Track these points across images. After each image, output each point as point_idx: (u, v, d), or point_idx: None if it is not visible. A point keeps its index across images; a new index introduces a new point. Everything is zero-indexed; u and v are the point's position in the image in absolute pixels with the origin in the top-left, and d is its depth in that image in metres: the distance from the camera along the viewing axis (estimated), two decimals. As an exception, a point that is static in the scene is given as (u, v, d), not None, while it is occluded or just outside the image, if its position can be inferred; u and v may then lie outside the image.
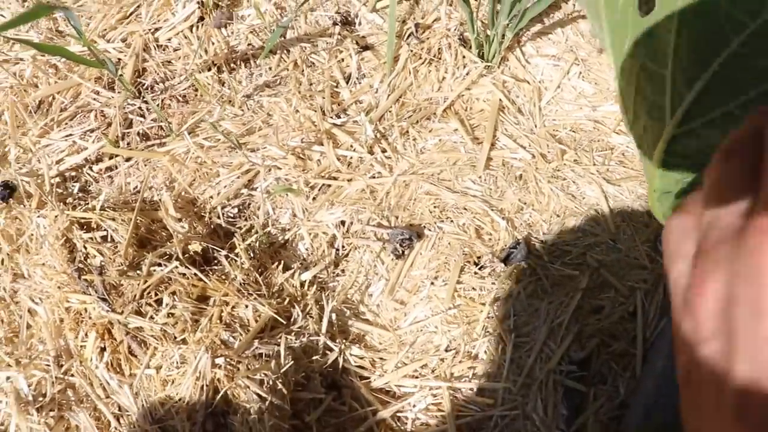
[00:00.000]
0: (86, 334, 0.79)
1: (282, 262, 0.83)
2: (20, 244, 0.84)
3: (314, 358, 0.77)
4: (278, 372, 0.74)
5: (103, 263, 0.80)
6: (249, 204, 0.87)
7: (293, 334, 0.78)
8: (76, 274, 0.80)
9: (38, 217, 0.84)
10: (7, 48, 0.99)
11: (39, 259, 0.82)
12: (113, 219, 0.82)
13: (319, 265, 0.83)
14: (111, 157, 0.91)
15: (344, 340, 0.79)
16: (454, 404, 0.77)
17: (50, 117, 0.94)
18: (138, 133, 0.92)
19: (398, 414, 0.77)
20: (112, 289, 0.79)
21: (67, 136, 0.93)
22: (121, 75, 0.89)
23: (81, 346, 0.78)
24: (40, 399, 0.76)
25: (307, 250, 0.85)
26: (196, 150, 0.89)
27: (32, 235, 0.84)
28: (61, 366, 0.78)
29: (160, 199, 0.87)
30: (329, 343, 0.78)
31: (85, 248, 0.81)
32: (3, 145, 0.93)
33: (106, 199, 0.85)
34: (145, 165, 0.90)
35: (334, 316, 0.80)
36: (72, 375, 0.78)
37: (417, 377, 0.78)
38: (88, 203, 0.86)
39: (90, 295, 0.79)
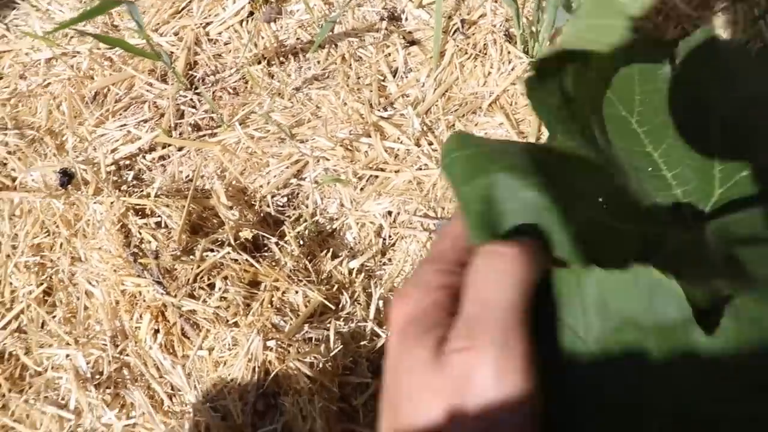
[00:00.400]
0: (141, 316, 0.82)
1: (330, 250, 0.85)
2: (78, 229, 0.87)
3: (362, 343, 0.79)
4: (327, 356, 0.76)
5: (157, 248, 0.83)
6: (298, 193, 0.90)
7: (341, 319, 0.80)
8: (131, 258, 0.83)
9: (95, 203, 0.87)
10: (65, 42, 1.03)
11: (96, 243, 0.86)
12: (167, 206, 0.85)
13: (367, 254, 0.85)
14: (164, 147, 0.94)
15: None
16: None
17: (105, 108, 0.97)
18: (189, 124, 0.95)
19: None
20: (166, 273, 0.82)
21: (121, 126, 0.96)
22: (173, 67, 0.92)
23: (136, 328, 0.81)
24: (98, 376, 0.79)
25: (354, 239, 0.87)
26: (247, 140, 0.91)
27: (89, 220, 0.87)
28: (117, 346, 0.81)
29: (211, 188, 0.90)
30: (376, 329, 0.80)
31: (140, 233, 0.84)
32: (61, 134, 0.97)
33: (159, 187, 0.88)
34: (197, 154, 0.93)
35: (381, 303, 0.82)
36: (127, 355, 0.81)
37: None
38: (142, 191, 0.89)
39: (145, 278, 0.82)
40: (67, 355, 0.81)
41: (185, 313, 0.80)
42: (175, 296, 0.80)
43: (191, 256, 0.82)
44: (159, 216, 0.86)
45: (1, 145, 0.97)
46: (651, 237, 0.68)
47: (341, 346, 0.77)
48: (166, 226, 0.85)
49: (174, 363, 0.79)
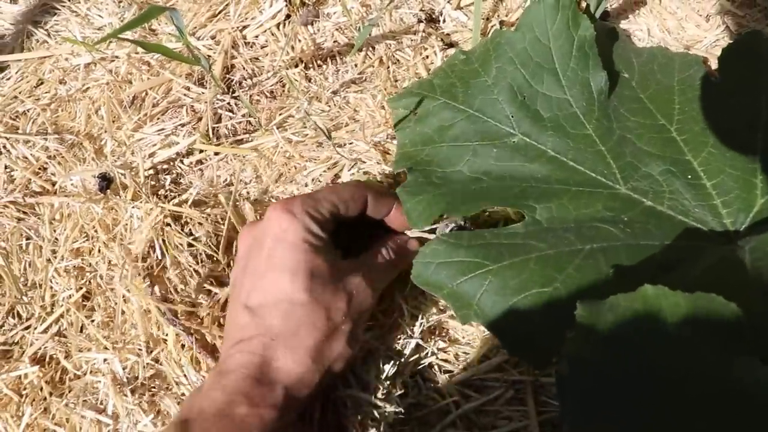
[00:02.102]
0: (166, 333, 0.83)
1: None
2: (115, 233, 0.89)
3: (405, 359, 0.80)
4: (370, 363, 0.77)
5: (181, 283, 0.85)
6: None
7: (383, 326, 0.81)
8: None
9: (133, 207, 0.89)
10: (104, 46, 1.05)
11: (132, 248, 0.87)
12: (206, 216, 0.87)
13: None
14: (201, 151, 0.96)
15: (431, 335, 0.81)
16: (536, 400, 0.79)
17: (143, 112, 0.99)
18: (227, 128, 0.97)
19: (481, 408, 0.79)
20: (191, 307, 0.84)
21: (159, 130, 0.98)
22: (212, 71, 0.93)
23: (163, 339, 0.83)
24: (134, 381, 0.81)
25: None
26: (285, 144, 0.93)
27: (126, 224, 0.89)
28: (151, 352, 0.83)
29: (248, 193, 0.91)
30: (422, 343, 0.81)
31: (170, 253, 0.86)
32: (100, 139, 0.99)
33: (194, 192, 0.90)
34: (235, 158, 0.95)
35: (425, 322, 0.83)
36: (161, 363, 0.82)
37: (500, 371, 0.80)
38: (180, 195, 0.91)
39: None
40: (105, 360, 0.83)
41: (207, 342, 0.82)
42: (202, 322, 0.82)
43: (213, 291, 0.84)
44: (199, 223, 0.87)
45: (42, 150, 0.99)
46: (683, 253, 0.67)
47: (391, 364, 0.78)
48: (202, 242, 0.87)
49: (199, 376, 0.81)
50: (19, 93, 1.05)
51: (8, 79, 1.08)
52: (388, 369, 0.76)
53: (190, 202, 0.88)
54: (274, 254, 0.65)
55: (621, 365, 0.46)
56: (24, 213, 0.96)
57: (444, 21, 1.04)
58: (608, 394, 0.45)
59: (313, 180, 0.90)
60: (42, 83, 1.06)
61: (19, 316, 0.90)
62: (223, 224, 0.87)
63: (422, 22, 1.03)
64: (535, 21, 0.84)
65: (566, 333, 0.56)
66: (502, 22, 1.03)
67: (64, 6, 1.12)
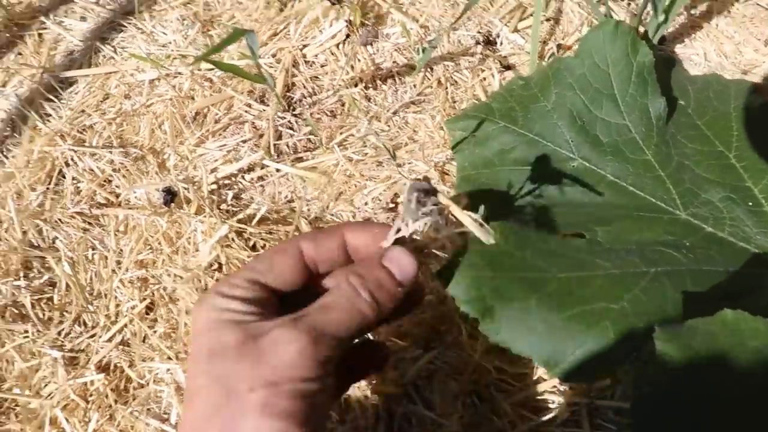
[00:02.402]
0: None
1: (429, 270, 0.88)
2: (178, 246, 0.92)
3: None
4: (433, 382, 0.79)
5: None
6: (392, 218, 0.93)
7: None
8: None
9: (196, 221, 0.92)
10: (168, 63, 1.08)
11: (195, 261, 0.90)
12: (270, 233, 0.89)
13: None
14: (262, 167, 0.98)
15: (489, 354, 0.83)
16: (592, 423, 0.80)
17: (205, 128, 1.02)
18: (287, 145, 0.99)
19: (537, 429, 0.80)
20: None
21: (221, 146, 1.01)
22: (275, 90, 0.96)
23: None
24: (198, 392, 0.83)
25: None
26: (345, 163, 0.95)
27: (189, 238, 0.92)
28: (213, 363, 0.85)
29: (308, 210, 0.94)
30: (484, 363, 0.82)
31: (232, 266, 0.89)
32: (163, 153, 1.02)
33: (257, 208, 0.93)
34: (295, 176, 0.97)
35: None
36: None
37: (556, 393, 0.81)
38: (243, 210, 0.93)
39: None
40: (168, 369, 0.85)
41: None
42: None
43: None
44: (261, 239, 0.90)
45: (107, 163, 1.02)
46: (748, 280, 0.68)
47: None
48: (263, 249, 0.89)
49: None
50: (87, 107, 1.09)
51: (76, 93, 1.11)
52: (449, 388, 0.78)
53: (256, 220, 0.91)
54: (189, 347, 0.57)
55: (699, 389, 0.47)
56: (89, 224, 0.99)
57: (501, 43, 1.06)
58: (686, 418, 0.46)
59: (372, 199, 0.92)
60: (108, 98, 1.10)
61: (85, 324, 0.93)
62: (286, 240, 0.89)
63: (480, 44, 1.05)
64: (594, 47, 0.85)
65: (637, 354, 0.57)
66: (559, 46, 1.04)
67: (130, 23, 1.16)
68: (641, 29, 1.02)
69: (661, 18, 0.96)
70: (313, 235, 0.57)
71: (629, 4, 1.10)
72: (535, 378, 0.81)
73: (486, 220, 0.58)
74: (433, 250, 0.58)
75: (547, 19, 1.08)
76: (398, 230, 0.53)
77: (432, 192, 0.53)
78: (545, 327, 0.62)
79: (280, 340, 0.49)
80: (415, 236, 0.54)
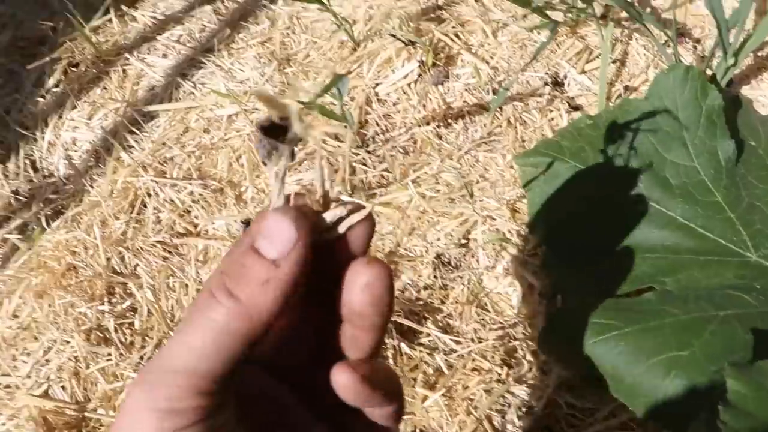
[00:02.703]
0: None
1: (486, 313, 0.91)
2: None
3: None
4: (507, 415, 0.82)
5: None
6: (464, 254, 0.96)
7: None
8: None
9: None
10: (245, 99, 1.14)
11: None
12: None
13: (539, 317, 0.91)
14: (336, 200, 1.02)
15: (560, 389, 0.85)
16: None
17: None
18: (361, 181, 1.04)
19: (606, 464, 0.82)
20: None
21: (297, 180, 1.05)
22: (353, 127, 1.01)
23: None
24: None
25: (516, 302, 0.93)
26: (419, 199, 0.99)
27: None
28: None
29: (382, 245, 0.97)
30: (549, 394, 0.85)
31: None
32: (240, 186, 1.07)
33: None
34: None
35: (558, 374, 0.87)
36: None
37: (626, 429, 0.83)
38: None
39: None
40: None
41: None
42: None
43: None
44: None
45: (187, 194, 1.08)
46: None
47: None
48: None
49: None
50: (167, 140, 1.14)
51: (158, 126, 1.17)
52: (522, 422, 0.80)
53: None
54: None
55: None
56: (170, 252, 1.04)
57: (569, 84, 1.10)
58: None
59: (445, 234, 0.96)
60: (188, 131, 1.15)
61: (165, 350, 0.97)
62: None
63: (548, 85, 1.08)
64: (664, 91, 0.88)
65: (708, 397, 0.59)
66: (626, 87, 1.07)
67: (209, 60, 1.22)
68: (708, 72, 1.04)
69: (731, 61, 0.99)
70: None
71: (695, 47, 1.12)
72: (605, 414, 0.83)
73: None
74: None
75: (614, 61, 1.11)
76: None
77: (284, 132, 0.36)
78: (631, 378, 0.67)
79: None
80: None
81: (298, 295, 0.34)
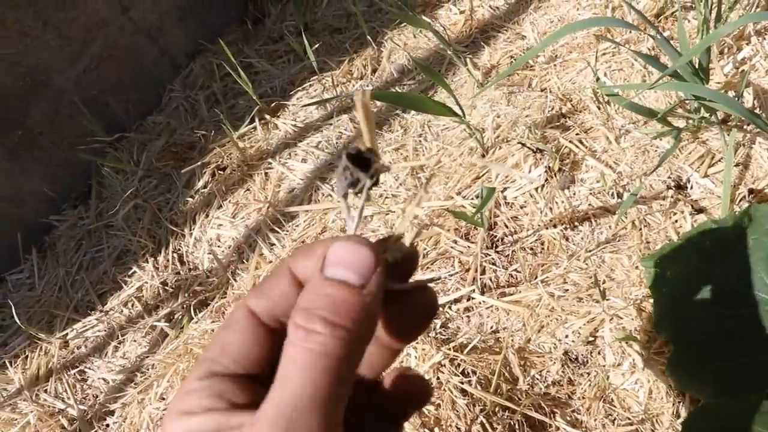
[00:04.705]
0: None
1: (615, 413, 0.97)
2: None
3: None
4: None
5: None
6: (591, 351, 1.03)
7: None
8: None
9: (409, 347, 1.05)
10: (380, 201, 1.25)
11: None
12: (479, 360, 1.01)
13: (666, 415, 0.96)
14: (469, 299, 1.11)
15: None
16: None
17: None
18: (491, 280, 1.12)
19: None
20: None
21: (432, 276, 1.15)
22: (485, 229, 1.10)
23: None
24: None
25: (643, 401, 0.98)
26: (547, 298, 1.06)
27: (402, 362, 1.05)
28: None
29: (512, 341, 1.05)
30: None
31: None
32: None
33: (469, 338, 1.05)
34: (498, 309, 1.09)
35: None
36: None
37: None
38: (451, 339, 1.06)
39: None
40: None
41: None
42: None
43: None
44: (465, 367, 1.02)
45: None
46: None
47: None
48: (471, 384, 1.01)
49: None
50: (307, 238, 1.26)
51: (297, 225, 1.30)
52: None
53: (468, 349, 1.03)
54: None
55: None
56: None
57: (691, 188, 1.16)
58: None
59: (573, 332, 1.03)
60: (326, 230, 1.27)
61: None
62: (493, 370, 1.00)
63: (671, 188, 1.15)
64: (790, 196, 0.94)
65: None
66: (750, 190, 1.13)
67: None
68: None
69: None
70: (258, 288, 0.42)
71: (820, 151, 1.17)
72: None
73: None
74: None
75: (737, 164, 1.17)
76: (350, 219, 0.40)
77: (366, 161, 0.39)
78: None
79: None
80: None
81: None
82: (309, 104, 1.50)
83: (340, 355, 0.34)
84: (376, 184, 0.39)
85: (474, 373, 1.01)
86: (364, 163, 0.38)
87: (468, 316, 1.11)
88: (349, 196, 0.39)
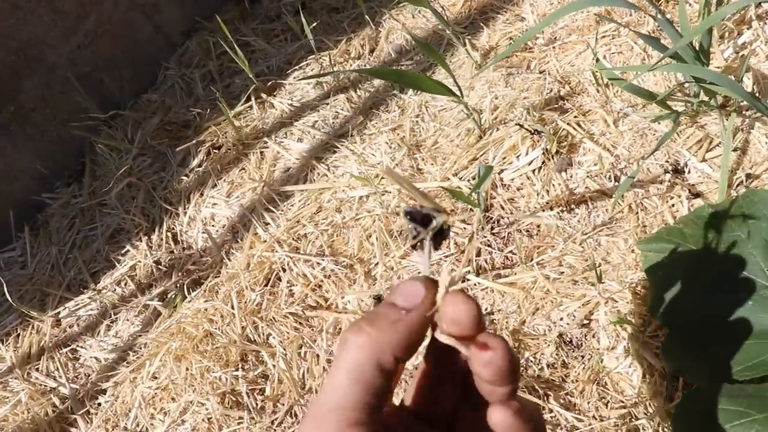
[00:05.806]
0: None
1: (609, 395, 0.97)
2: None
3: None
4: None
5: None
6: (586, 334, 1.03)
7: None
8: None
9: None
10: (376, 182, 1.25)
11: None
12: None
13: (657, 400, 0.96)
14: (463, 281, 1.11)
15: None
16: None
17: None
18: (486, 262, 1.12)
19: None
20: None
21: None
22: (481, 212, 1.10)
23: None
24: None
25: (636, 382, 0.98)
26: (543, 280, 1.07)
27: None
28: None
29: (506, 323, 1.05)
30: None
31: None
32: (369, 263, 1.18)
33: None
34: (493, 291, 1.09)
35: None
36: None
37: None
38: (446, 319, 1.06)
39: None
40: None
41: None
42: None
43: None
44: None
45: (319, 269, 1.19)
46: None
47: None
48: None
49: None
50: (302, 218, 1.27)
51: (293, 205, 1.30)
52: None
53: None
54: None
55: None
56: (301, 324, 1.14)
57: (689, 172, 1.16)
58: None
59: (568, 314, 1.03)
60: (321, 210, 1.27)
61: (296, 416, 1.07)
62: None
63: (668, 172, 1.15)
64: (787, 180, 0.94)
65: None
66: (748, 175, 1.13)
67: (342, 145, 1.35)
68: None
69: None
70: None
71: (819, 137, 1.18)
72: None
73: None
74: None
75: (735, 149, 1.18)
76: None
77: (427, 218, 0.45)
78: None
79: None
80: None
81: (434, 350, 0.45)
82: (305, 78, 1.50)
83: (366, 360, 0.39)
84: (441, 235, 0.45)
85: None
86: (426, 219, 0.44)
87: (463, 298, 1.11)
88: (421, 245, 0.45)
